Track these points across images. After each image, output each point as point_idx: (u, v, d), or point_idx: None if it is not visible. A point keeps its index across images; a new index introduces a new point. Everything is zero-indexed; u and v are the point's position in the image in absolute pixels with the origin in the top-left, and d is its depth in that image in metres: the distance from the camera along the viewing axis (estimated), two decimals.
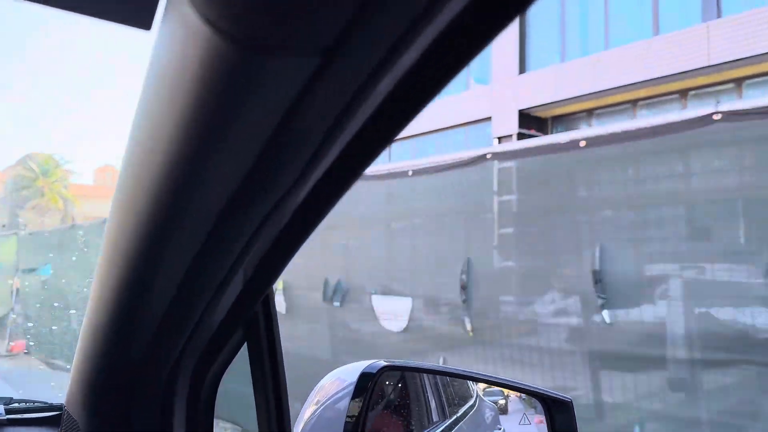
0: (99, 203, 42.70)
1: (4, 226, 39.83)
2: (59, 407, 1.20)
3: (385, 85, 0.43)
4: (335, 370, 1.13)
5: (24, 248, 9.82)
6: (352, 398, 0.97)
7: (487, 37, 0.40)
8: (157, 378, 0.84)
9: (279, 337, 0.86)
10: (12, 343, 8.70)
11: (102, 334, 0.80)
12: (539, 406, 1.44)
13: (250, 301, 0.77)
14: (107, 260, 0.74)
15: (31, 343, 8.52)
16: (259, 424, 0.86)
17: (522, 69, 14.23)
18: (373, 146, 0.52)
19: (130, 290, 0.71)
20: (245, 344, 0.85)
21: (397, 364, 1.29)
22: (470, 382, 1.87)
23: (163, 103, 0.49)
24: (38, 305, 8.63)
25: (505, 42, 13.97)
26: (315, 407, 0.99)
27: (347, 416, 0.95)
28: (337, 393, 1.01)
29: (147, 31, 0.48)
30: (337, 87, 0.43)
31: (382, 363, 1.08)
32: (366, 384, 1.01)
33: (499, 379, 1.69)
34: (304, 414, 0.97)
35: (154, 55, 0.49)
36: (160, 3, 0.45)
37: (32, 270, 9.17)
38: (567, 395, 1.39)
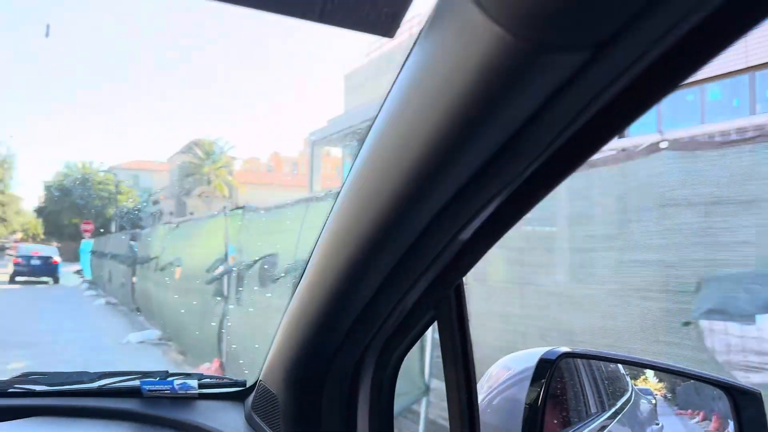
0: (263, 190, 44.43)
1: (172, 213, 43.31)
2: (242, 383, 1.33)
3: (626, 79, 0.44)
4: (505, 358, 1.15)
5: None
6: (531, 385, 0.99)
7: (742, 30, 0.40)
8: (349, 361, 0.91)
9: (467, 316, 0.87)
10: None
11: (307, 322, 0.88)
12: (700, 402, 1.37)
13: (444, 287, 0.80)
14: (323, 256, 0.79)
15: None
16: (448, 397, 0.88)
17: None
18: (595, 141, 0.52)
19: (341, 285, 0.77)
20: (434, 324, 0.88)
21: (577, 351, 1.28)
22: (626, 377, 1.85)
23: (425, 98, 0.52)
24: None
25: None
26: (487, 394, 1.02)
27: (526, 403, 0.97)
28: (510, 379, 1.05)
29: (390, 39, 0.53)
30: (591, 83, 0.44)
31: (562, 350, 1.09)
32: (545, 371, 1.03)
33: (678, 368, 1.55)
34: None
35: (420, 53, 0.51)
36: (432, 6, 0.47)
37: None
38: (756, 387, 1.29)
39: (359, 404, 0.95)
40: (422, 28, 0.51)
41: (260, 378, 1.12)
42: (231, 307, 6.98)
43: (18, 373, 1.38)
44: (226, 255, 7.34)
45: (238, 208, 7.47)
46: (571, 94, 0.45)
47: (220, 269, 7.33)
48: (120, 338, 10.23)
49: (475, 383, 0.90)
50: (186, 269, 9.06)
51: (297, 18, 0.51)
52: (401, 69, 0.55)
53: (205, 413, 1.24)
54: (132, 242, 14.33)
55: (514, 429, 0.98)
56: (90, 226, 32.99)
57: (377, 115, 0.62)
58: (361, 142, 0.66)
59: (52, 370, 1.39)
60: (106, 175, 49.23)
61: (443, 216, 0.62)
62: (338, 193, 0.75)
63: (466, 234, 0.66)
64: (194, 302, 8.10)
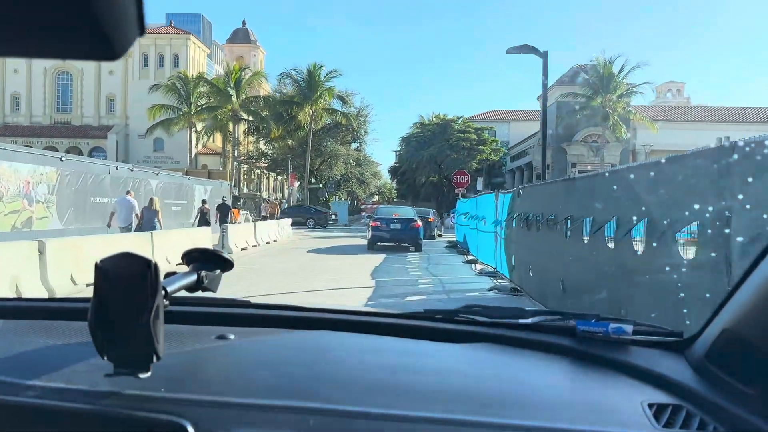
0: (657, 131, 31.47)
1: (549, 166, 34.05)
2: (679, 334, 1.35)
3: None
4: None
5: None
6: None
7: None
8: None
9: None
10: None
11: None
12: None
13: None
14: None
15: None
16: None
17: None
18: None
19: None
20: None
21: None
22: None
23: None
24: None
25: None
26: None
27: None
28: None
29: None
30: None
31: None
32: None
33: None
34: None
35: None
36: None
37: None
38: None
39: None
40: None
41: (724, 327, 1.12)
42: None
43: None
44: None
45: None
46: None
47: None
48: None
49: None
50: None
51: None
52: None
53: (643, 357, 1.28)
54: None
55: None
56: (466, 178, 25.40)
57: None
58: None
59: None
60: (464, 122, 43.14)
61: None
62: None
63: None
64: None
